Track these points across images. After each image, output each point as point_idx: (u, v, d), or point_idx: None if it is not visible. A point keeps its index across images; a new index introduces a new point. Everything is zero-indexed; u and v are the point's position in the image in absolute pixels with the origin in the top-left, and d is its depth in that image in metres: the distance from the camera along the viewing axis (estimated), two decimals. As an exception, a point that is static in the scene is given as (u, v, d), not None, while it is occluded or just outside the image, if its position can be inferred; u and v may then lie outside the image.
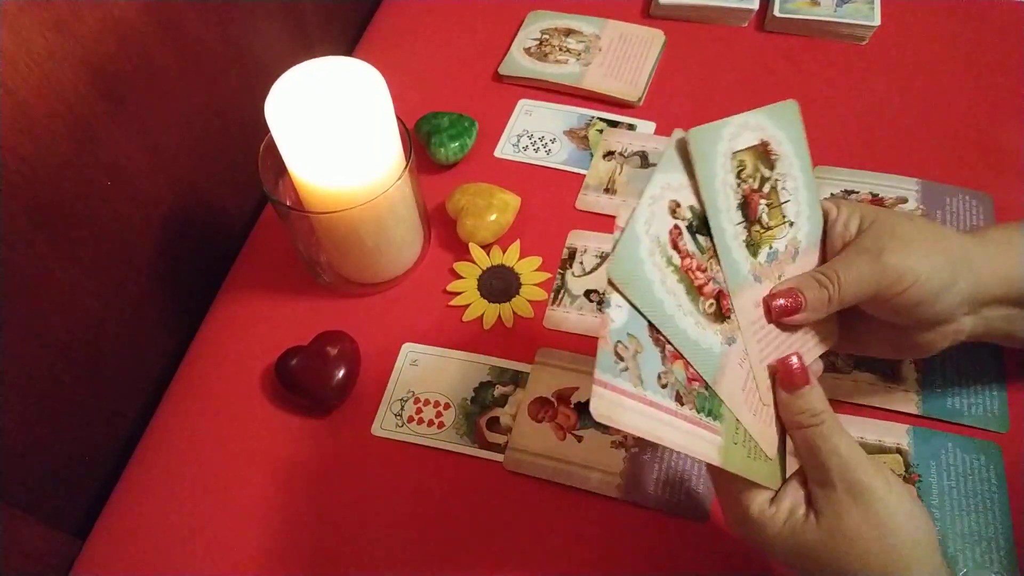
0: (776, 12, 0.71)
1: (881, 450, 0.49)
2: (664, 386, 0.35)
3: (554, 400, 0.53)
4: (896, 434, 0.50)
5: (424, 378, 0.55)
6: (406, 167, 0.53)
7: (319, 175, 0.50)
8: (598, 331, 0.34)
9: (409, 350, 0.56)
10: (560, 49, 0.72)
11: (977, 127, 0.64)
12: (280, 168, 0.52)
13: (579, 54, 0.72)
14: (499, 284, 0.59)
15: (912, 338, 0.44)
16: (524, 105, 0.69)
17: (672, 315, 0.36)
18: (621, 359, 0.34)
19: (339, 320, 0.57)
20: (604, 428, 0.51)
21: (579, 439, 0.51)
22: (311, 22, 0.73)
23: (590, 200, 0.63)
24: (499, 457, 0.51)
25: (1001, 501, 0.47)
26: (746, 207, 0.40)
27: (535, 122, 0.68)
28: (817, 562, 0.36)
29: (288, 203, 0.54)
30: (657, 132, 0.66)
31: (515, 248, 0.60)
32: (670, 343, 0.36)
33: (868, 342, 0.45)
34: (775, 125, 0.41)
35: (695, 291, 0.37)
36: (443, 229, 0.62)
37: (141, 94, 0.53)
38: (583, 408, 0.52)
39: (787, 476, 0.39)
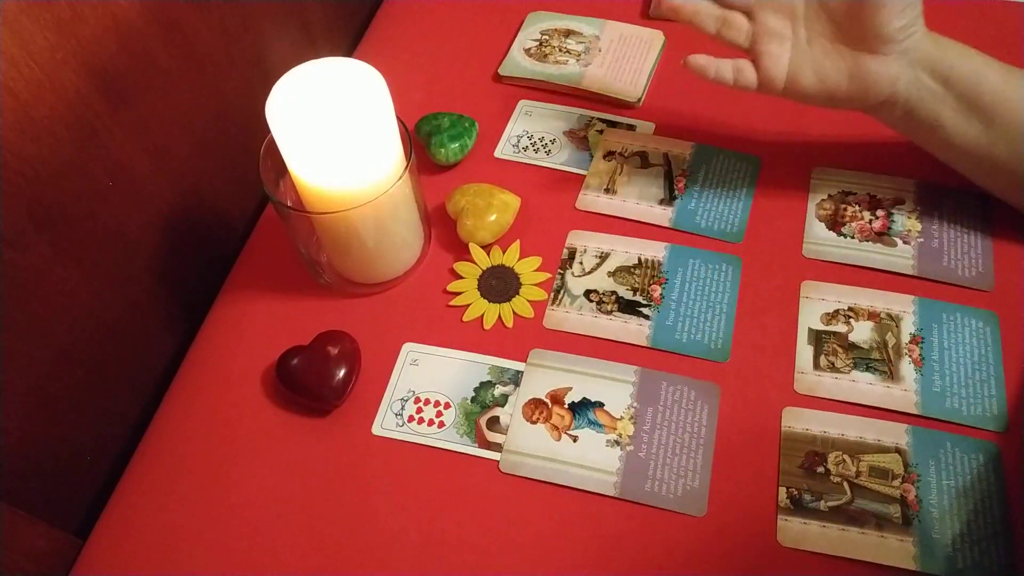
0: (775, 13, 0.71)
1: (880, 450, 0.49)
2: None
3: (548, 401, 0.53)
4: (895, 434, 0.50)
5: (424, 378, 0.55)
6: (406, 167, 0.53)
7: (320, 175, 0.50)
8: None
9: (409, 350, 0.56)
10: (560, 50, 0.72)
11: (976, 128, 0.64)
12: (281, 168, 0.52)
13: (579, 55, 0.72)
14: (499, 284, 0.59)
15: (858, 64, 0.52)
16: (524, 106, 0.70)
17: None
18: None
19: (339, 320, 0.57)
20: (598, 427, 0.52)
21: (574, 439, 0.51)
22: (311, 22, 0.73)
23: (590, 200, 0.63)
24: (499, 456, 0.51)
25: (999, 500, 0.47)
26: None
27: (535, 123, 0.68)
28: None
29: (288, 203, 0.54)
30: (657, 132, 0.67)
31: (515, 248, 0.60)
32: None
33: (817, 64, 0.53)
34: None
35: None
36: (443, 229, 0.62)
37: (142, 94, 0.53)
38: (577, 408, 0.53)
39: None
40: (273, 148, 0.51)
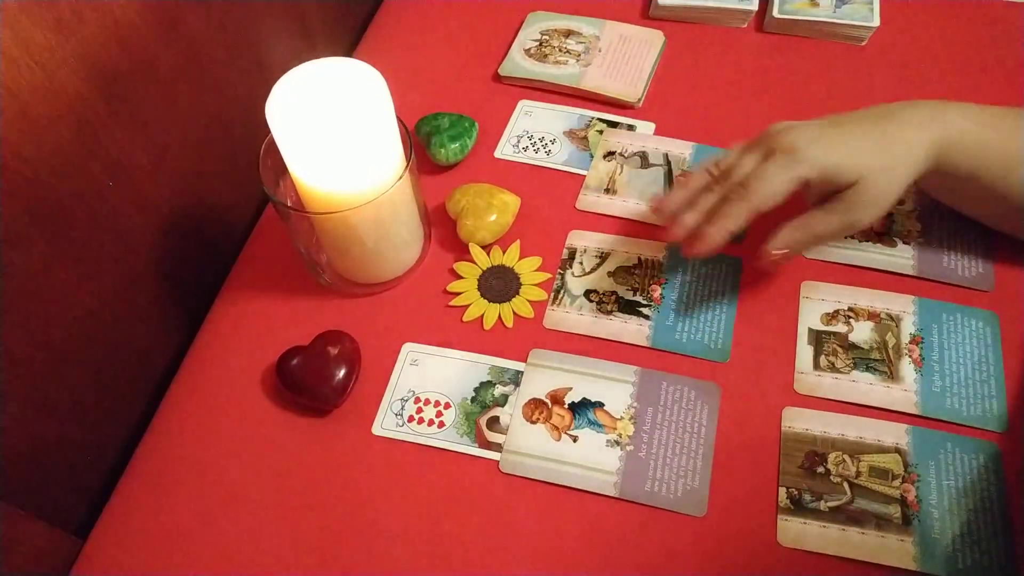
0: (775, 13, 0.71)
1: (880, 450, 0.49)
2: None
3: (548, 401, 0.53)
4: (895, 434, 0.50)
5: (424, 378, 0.55)
6: (406, 167, 0.53)
7: (319, 175, 0.50)
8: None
9: (409, 350, 0.56)
10: (560, 50, 0.72)
11: (976, 128, 0.64)
12: (281, 168, 0.52)
13: (579, 55, 0.72)
14: (499, 284, 0.59)
15: None
16: (524, 106, 0.70)
17: None
18: None
19: (339, 320, 0.57)
20: (598, 427, 0.52)
21: (574, 439, 0.51)
22: (312, 23, 0.73)
23: (590, 200, 0.63)
24: (499, 456, 0.51)
25: (999, 500, 0.47)
26: None
27: (535, 123, 0.68)
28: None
29: (288, 203, 0.54)
30: (657, 133, 0.67)
31: (515, 248, 0.60)
32: None
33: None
34: None
35: None
36: (443, 229, 0.62)
37: (142, 94, 0.53)
38: (577, 408, 0.53)
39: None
40: (273, 148, 0.51)
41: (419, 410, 0.53)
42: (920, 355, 0.53)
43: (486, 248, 0.60)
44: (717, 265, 0.58)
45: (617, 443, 0.51)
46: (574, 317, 0.57)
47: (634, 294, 0.57)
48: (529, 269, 0.59)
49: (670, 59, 0.71)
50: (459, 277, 0.59)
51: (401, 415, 0.53)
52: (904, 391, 0.52)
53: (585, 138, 0.67)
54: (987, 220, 0.56)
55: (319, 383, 0.53)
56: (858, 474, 0.49)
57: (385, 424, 0.53)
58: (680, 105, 0.68)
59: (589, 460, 0.51)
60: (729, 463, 0.50)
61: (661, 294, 0.57)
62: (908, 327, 0.54)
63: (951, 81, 0.67)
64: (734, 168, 0.51)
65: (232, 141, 0.63)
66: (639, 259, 0.59)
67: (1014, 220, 0.54)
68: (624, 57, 0.71)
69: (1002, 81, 0.67)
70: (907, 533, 0.47)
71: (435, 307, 0.58)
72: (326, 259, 0.59)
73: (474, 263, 0.60)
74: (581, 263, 0.59)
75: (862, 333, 0.54)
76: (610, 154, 0.65)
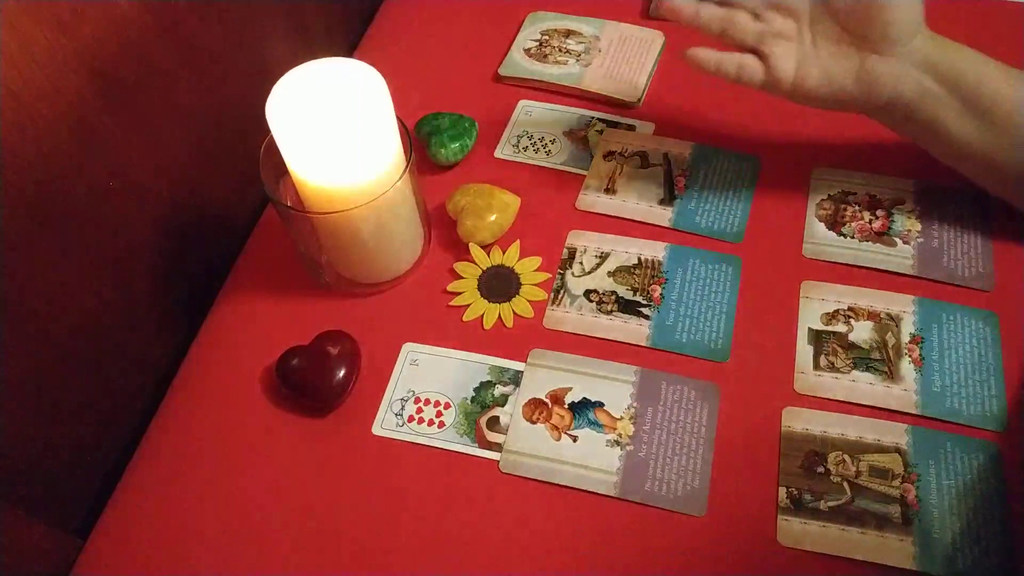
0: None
1: (880, 449, 0.49)
2: None
3: (548, 401, 0.53)
4: (895, 433, 0.50)
5: (424, 378, 0.55)
6: (406, 168, 0.53)
7: (320, 175, 0.50)
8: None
9: (409, 350, 0.56)
10: (560, 50, 0.72)
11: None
12: (281, 168, 0.52)
13: (579, 55, 0.72)
14: (499, 284, 0.59)
15: (863, 65, 0.52)
16: (524, 106, 0.70)
17: None
18: None
19: (339, 320, 0.57)
20: (598, 427, 0.52)
21: (574, 439, 0.51)
22: (312, 23, 0.73)
23: (590, 200, 0.63)
24: (499, 456, 0.51)
25: (999, 500, 0.47)
26: None
27: (535, 123, 0.68)
28: None
29: (289, 203, 0.54)
30: (656, 133, 0.67)
31: (515, 248, 0.60)
32: None
33: (823, 65, 0.52)
34: None
35: None
36: (443, 229, 0.62)
37: (142, 95, 0.53)
38: (577, 408, 0.53)
39: None
40: (273, 148, 0.51)
41: (419, 410, 0.53)
42: (920, 355, 0.53)
43: (486, 248, 0.60)
44: (717, 265, 0.58)
45: (617, 443, 0.51)
46: (574, 317, 0.57)
47: (634, 294, 0.57)
48: (529, 269, 0.59)
49: (670, 59, 0.71)
50: (459, 277, 0.59)
51: (401, 415, 0.53)
52: (904, 391, 0.52)
53: (585, 138, 0.67)
54: (958, 166, 0.56)
55: (319, 383, 0.53)
56: (858, 474, 0.49)
57: (385, 424, 0.53)
58: (680, 105, 0.68)
59: (589, 460, 0.51)
60: (729, 463, 0.50)
61: (661, 294, 0.57)
62: (908, 327, 0.54)
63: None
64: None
65: (233, 141, 0.63)
66: (639, 259, 0.59)
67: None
68: (624, 57, 0.71)
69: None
70: (907, 533, 0.47)
71: (435, 307, 0.58)
72: (326, 259, 0.59)
73: (474, 263, 0.60)
74: (581, 263, 0.59)
75: (862, 333, 0.54)
76: (610, 154, 0.65)
